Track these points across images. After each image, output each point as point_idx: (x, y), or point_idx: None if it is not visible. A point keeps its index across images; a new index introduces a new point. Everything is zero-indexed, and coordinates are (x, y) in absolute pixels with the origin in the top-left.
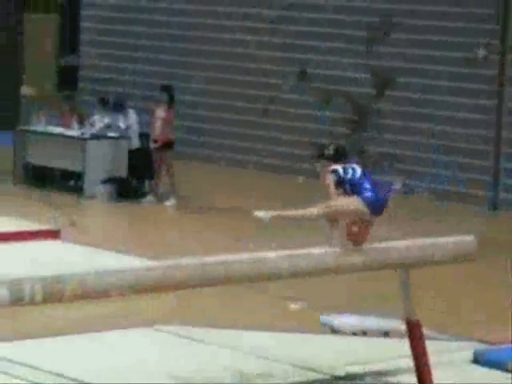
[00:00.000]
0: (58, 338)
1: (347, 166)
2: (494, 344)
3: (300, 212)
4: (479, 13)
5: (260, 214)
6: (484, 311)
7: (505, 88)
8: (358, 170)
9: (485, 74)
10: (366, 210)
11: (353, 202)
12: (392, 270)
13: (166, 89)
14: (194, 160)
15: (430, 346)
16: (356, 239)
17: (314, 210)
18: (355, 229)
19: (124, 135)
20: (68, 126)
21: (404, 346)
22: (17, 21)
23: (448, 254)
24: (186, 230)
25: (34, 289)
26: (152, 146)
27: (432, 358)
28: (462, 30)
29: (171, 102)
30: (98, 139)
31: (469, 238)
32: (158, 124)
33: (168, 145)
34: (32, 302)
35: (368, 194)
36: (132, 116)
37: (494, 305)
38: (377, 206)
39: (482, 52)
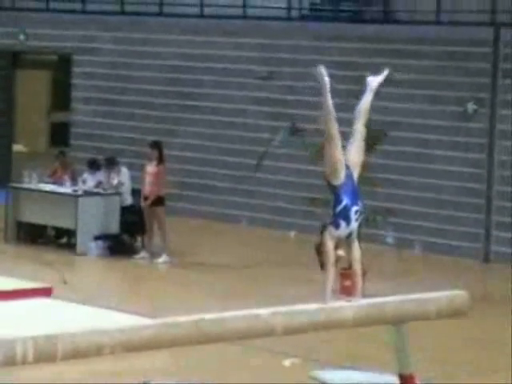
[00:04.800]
0: None
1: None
2: None
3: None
4: (469, 67)
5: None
6: (475, 366)
7: (495, 141)
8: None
9: (475, 128)
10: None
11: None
12: (384, 324)
13: (156, 145)
14: (186, 215)
15: None
16: (349, 294)
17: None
18: (348, 283)
19: (116, 192)
20: (60, 183)
21: None
22: (8, 77)
23: (441, 309)
24: (178, 287)
25: (26, 349)
26: (143, 203)
27: None
28: (452, 84)
29: (161, 158)
30: (90, 196)
31: (461, 293)
32: (149, 180)
33: (159, 201)
34: (24, 361)
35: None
36: (124, 172)
37: (485, 359)
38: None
39: (472, 106)
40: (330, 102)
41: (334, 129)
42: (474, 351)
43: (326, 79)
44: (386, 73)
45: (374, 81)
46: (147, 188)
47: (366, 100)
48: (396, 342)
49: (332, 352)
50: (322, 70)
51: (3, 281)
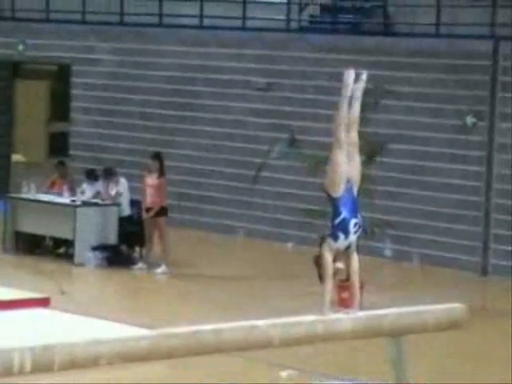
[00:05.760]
0: None
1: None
2: None
3: (328, 273)
4: (468, 80)
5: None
6: (472, 378)
7: (494, 154)
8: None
9: (474, 141)
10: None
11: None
12: (382, 336)
13: (157, 156)
14: (184, 226)
15: None
16: (346, 306)
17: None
18: (346, 295)
19: (114, 202)
20: (58, 193)
21: None
22: (8, 87)
23: (438, 321)
24: (176, 297)
25: (23, 359)
26: (145, 215)
27: None
28: (451, 97)
29: (162, 169)
30: (89, 206)
31: (459, 306)
32: (150, 192)
33: (162, 211)
34: (21, 372)
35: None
36: (122, 183)
37: (483, 371)
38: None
39: (471, 119)
40: (345, 107)
41: (343, 135)
42: (471, 363)
43: (350, 85)
44: (364, 77)
45: (357, 89)
46: (149, 199)
47: (355, 109)
48: (393, 353)
49: (329, 364)
50: (351, 73)
51: (1, 291)
